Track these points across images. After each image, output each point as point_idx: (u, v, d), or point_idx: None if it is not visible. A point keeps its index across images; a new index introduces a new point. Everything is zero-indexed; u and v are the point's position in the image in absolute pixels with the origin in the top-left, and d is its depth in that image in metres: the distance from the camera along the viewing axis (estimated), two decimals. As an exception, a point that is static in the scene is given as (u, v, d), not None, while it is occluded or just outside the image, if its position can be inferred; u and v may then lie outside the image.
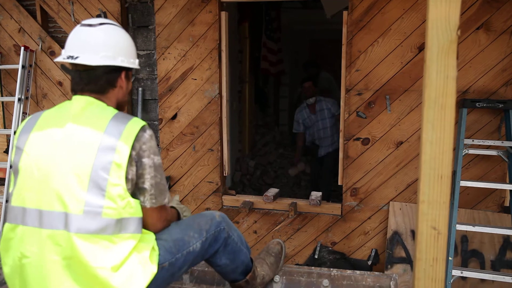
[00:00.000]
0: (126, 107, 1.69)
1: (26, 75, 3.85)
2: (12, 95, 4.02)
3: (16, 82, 3.82)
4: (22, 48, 3.80)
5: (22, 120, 3.82)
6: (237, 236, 1.90)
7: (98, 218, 1.40)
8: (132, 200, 1.47)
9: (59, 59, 1.54)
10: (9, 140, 3.88)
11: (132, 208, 1.47)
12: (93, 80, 1.53)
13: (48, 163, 1.45)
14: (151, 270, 1.52)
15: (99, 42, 1.52)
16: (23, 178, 1.47)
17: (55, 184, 1.42)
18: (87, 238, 1.39)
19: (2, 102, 4.13)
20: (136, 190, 1.50)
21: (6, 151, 4.07)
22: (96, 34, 1.54)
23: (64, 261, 1.40)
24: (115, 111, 1.53)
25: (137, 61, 1.66)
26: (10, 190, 1.52)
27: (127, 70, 1.62)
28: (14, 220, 1.47)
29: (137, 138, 1.46)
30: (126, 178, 1.44)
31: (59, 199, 1.41)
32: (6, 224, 1.49)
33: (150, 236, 1.58)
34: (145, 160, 1.48)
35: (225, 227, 1.83)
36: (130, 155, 1.44)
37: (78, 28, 1.56)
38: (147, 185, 1.50)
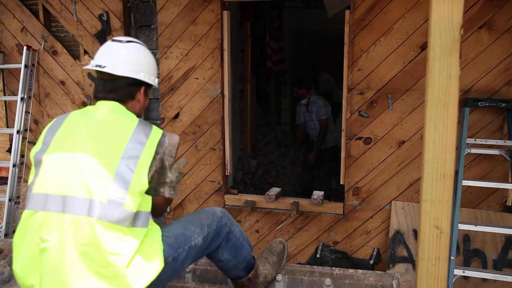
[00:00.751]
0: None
1: (29, 75, 3.86)
2: (15, 94, 4.03)
3: (19, 81, 3.83)
4: (25, 47, 3.81)
5: (25, 119, 3.83)
6: (238, 231, 1.93)
7: (120, 209, 1.48)
8: (147, 197, 1.59)
9: (88, 67, 1.72)
10: (12, 139, 3.89)
11: (147, 203, 1.59)
12: (115, 89, 1.69)
13: (75, 155, 1.53)
14: (158, 264, 1.57)
15: (125, 56, 1.71)
16: (47, 168, 1.55)
17: (82, 174, 1.50)
18: (107, 226, 1.46)
19: (5, 102, 4.14)
20: (156, 185, 1.63)
21: (9, 150, 4.08)
22: (124, 49, 1.72)
23: (83, 247, 1.45)
24: (137, 118, 1.68)
25: (157, 80, 1.83)
26: (30, 181, 1.59)
27: (147, 86, 1.77)
28: (34, 207, 1.52)
29: (160, 143, 1.61)
30: (148, 175, 1.55)
31: (85, 187, 1.49)
32: (25, 211, 1.54)
33: (157, 232, 1.65)
34: (166, 162, 1.63)
35: (226, 222, 1.86)
36: (154, 157, 1.57)
37: (109, 42, 1.75)
38: (168, 180, 1.64)
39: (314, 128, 5.00)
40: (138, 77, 1.70)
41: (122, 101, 1.70)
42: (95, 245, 1.45)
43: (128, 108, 1.70)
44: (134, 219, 1.53)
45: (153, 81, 1.79)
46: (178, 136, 1.76)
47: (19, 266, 1.53)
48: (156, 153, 1.58)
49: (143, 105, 1.79)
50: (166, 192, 1.66)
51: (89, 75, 1.78)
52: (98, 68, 1.67)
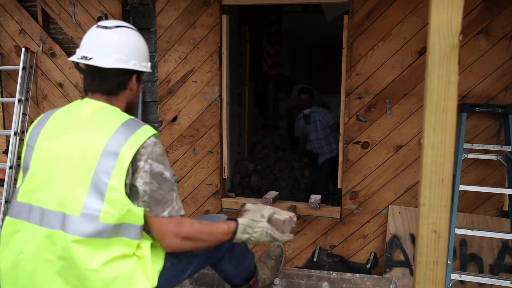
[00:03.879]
0: (135, 107, 1.68)
1: (27, 76, 3.86)
2: (13, 96, 4.02)
3: (17, 83, 3.82)
4: (23, 49, 3.81)
5: (22, 121, 3.82)
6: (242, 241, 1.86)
7: (95, 222, 1.38)
8: (136, 209, 1.44)
9: (73, 58, 1.56)
10: (9, 141, 3.87)
11: (135, 216, 1.45)
12: (105, 81, 1.55)
13: (54, 163, 1.46)
14: (152, 279, 1.50)
15: (113, 45, 1.54)
16: (32, 175, 1.49)
17: (59, 184, 1.43)
18: (81, 241, 1.38)
19: (2, 103, 4.13)
20: (130, 195, 1.45)
21: (6, 152, 4.07)
22: (111, 36, 1.55)
23: (58, 261, 1.40)
24: (127, 117, 1.52)
25: (149, 64, 1.67)
26: (18, 186, 1.53)
27: (139, 73, 1.63)
28: (19, 215, 1.48)
29: (144, 145, 1.44)
30: (125, 183, 1.42)
31: (60, 199, 1.42)
32: (8, 218, 1.50)
33: (155, 246, 1.56)
34: (141, 164, 1.43)
35: None
36: (131, 161, 1.42)
37: (94, 29, 1.58)
38: (140, 190, 1.44)
39: (317, 139, 4.97)
40: (127, 67, 1.55)
41: (113, 92, 1.56)
42: (69, 260, 1.39)
43: (120, 100, 1.58)
44: (117, 231, 1.42)
45: (145, 67, 1.63)
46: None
47: (2, 272, 1.50)
48: (135, 154, 1.42)
49: (137, 92, 1.65)
50: (166, 211, 1.47)
51: (76, 65, 1.59)
52: (83, 61, 1.51)
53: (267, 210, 1.73)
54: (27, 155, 1.53)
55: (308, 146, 5.11)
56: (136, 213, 1.45)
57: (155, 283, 1.51)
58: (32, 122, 3.96)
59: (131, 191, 1.45)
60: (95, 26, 1.59)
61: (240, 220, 1.66)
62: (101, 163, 1.40)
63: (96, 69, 1.53)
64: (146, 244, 1.53)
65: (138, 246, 1.50)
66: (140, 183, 1.44)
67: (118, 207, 1.40)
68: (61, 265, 1.40)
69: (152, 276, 1.51)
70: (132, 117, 1.55)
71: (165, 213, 1.47)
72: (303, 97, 4.96)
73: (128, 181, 1.43)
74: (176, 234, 1.49)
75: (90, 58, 1.52)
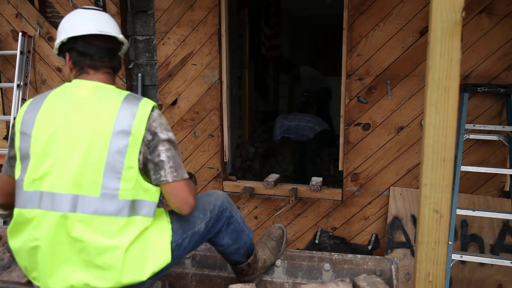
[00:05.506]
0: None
1: (25, 61, 3.83)
2: (11, 81, 4.00)
3: (15, 68, 3.80)
4: (20, 33, 3.77)
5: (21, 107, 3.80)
6: (239, 216, 1.91)
7: (115, 200, 1.44)
8: (149, 185, 1.50)
9: (90, 30, 1.57)
10: (9, 126, 3.86)
11: (149, 192, 1.50)
12: (110, 57, 1.62)
13: (61, 147, 1.46)
14: (165, 254, 1.56)
15: (113, 22, 1.66)
16: (36, 162, 1.47)
17: (69, 167, 1.44)
18: (102, 220, 1.43)
19: (1, 89, 4.10)
20: (153, 167, 1.51)
21: (6, 138, 4.06)
22: (105, 15, 1.66)
23: (76, 243, 1.43)
24: (125, 93, 1.55)
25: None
26: (18, 176, 1.50)
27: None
28: (28, 205, 1.47)
29: (150, 117, 1.50)
30: (138, 159, 1.47)
31: (73, 182, 1.43)
32: (18, 210, 1.49)
33: (166, 221, 1.61)
34: (160, 135, 1.50)
35: (227, 206, 1.84)
36: (144, 135, 1.47)
37: (84, 10, 1.64)
38: (163, 157, 1.50)
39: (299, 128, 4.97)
40: (123, 40, 1.68)
41: (116, 68, 1.65)
42: (87, 241, 1.43)
43: (115, 76, 1.67)
44: (134, 208, 1.48)
45: (123, 39, 1.71)
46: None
47: (21, 261, 1.54)
48: (147, 128, 1.48)
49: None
50: (168, 175, 1.51)
51: (72, 49, 1.59)
52: (103, 32, 1.58)
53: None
54: (23, 143, 1.49)
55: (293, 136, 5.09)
56: (150, 189, 1.51)
57: (169, 259, 1.57)
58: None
59: (153, 162, 1.50)
60: (81, 8, 1.66)
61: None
62: (113, 143, 1.44)
63: (106, 44, 1.60)
64: (158, 221, 1.59)
65: (151, 224, 1.54)
66: (162, 150, 1.50)
67: (133, 182, 1.46)
68: (79, 247, 1.43)
69: (167, 252, 1.56)
70: (128, 92, 1.59)
71: (186, 175, 1.57)
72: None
73: (141, 156, 1.48)
74: (194, 191, 1.62)
75: (108, 33, 1.60)
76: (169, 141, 1.53)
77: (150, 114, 1.50)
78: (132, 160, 1.45)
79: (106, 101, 1.50)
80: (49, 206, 1.44)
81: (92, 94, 1.52)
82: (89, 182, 1.43)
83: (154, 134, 1.50)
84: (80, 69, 1.60)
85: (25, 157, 1.49)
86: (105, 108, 1.48)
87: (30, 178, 1.48)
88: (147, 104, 1.51)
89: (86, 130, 1.46)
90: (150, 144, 1.50)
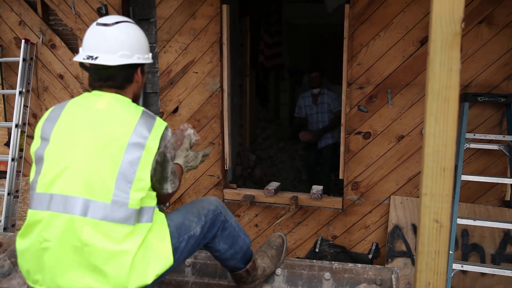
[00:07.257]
0: (139, 98, 1.80)
1: (27, 68, 3.85)
2: (13, 88, 4.01)
3: (17, 75, 3.82)
4: (23, 41, 3.79)
5: (23, 113, 3.82)
6: (234, 221, 1.93)
7: (125, 208, 1.48)
8: (151, 193, 1.57)
9: (78, 58, 1.61)
10: (10, 133, 3.87)
11: (150, 198, 1.57)
12: (111, 78, 1.61)
13: (76, 153, 1.50)
14: (167, 256, 1.59)
15: (117, 42, 1.59)
16: (49, 166, 1.51)
17: (85, 173, 1.48)
18: (110, 226, 1.46)
19: (3, 95, 4.12)
20: (159, 179, 1.61)
21: (7, 144, 4.07)
22: (113, 33, 1.60)
23: (84, 247, 1.45)
24: (141, 108, 1.62)
25: (150, 54, 1.74)
26: (32, 179, 1.56)
27: (142, 65, 1.70)
28: (39, 206, 1.51)
29: (163, 137, 1.57)
30: (150, 171, 1.53)
31: (87, 187, 1.47)
32: (31, 211, 1.53)
33: (164, 225, 1.64)
34: (168, 155, 1.61)
35: (221, 211, 1.87)
36: (157, 152, 1.54)
37: (94, 27, 1.62)
38: (169, 174, 1.64)
39: (322, 121, 4.84)
40: (132, 61, 1.61)
41: (121, 87, 1.63)
42: (95, 245, 1.45)
43: (128, 93, 1.65)
44: (139, 216, 1.52)
45: (148, 58, 1.70)
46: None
47: (24, 263, 1.54)
48: (159, 147, 1.55)
49: (141, 84, 1.74)
50: (169, 187, 1.65)
51: (81, 64, 1.65)
52: (89, 61, 1.56)
53: (186, 141, 2.09)
54: (40, 147, 1.55)
55: (309, 127, 4.99)
56: (152, 196, 1.59)
57: (172, 261, 1.60)
58: (33, 114, 3.98)
59: (162, 176, 1.62)
60: (94, 24, 1.63)
61: (180, 163, 1.97)
62: (128, 154, 1.49)
63: (103, 67, 1.58)
64: (157, 225, 1.62)
65: (150, 230, 1.57)
66: (169, 168, 1.63)
67: (142, 193, 1.52)
68: (87, 250, 1.45)
69: (168, 254, 1.60)
70: (143, 107, 1.64)
71: (178, 182, 1.74)
72: (313, 76, 4.85)
73: (153, 168, 1.55)
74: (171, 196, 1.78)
75: (96, 58, 1.57)
76: (172, 159, 1.65)
77: (164, 133, 1.58)
78: (144, 172, 1.51)
79: (124, 114, 1.57)
80: (61, 208, 1.47)
81: (109, 105, 1.58)
82: (101, 188, 1.47)
83: (164, 155, 1.59)
84: (90, 86, 1.67)
85: (39, 160, 1.55)
86: (122, 120, 1.54)
87: (42, 180, 1.52)
88: (161, 124, 1.60)
89: (102, 139, 1.51)
90: (161, 163, 1.59)
